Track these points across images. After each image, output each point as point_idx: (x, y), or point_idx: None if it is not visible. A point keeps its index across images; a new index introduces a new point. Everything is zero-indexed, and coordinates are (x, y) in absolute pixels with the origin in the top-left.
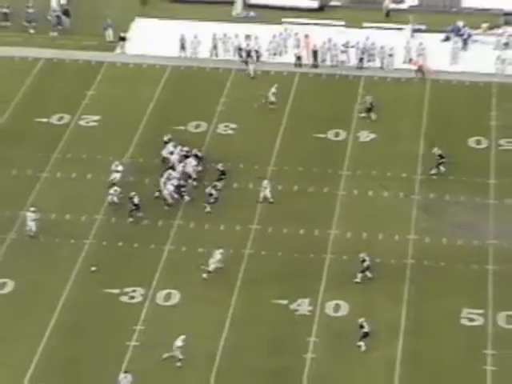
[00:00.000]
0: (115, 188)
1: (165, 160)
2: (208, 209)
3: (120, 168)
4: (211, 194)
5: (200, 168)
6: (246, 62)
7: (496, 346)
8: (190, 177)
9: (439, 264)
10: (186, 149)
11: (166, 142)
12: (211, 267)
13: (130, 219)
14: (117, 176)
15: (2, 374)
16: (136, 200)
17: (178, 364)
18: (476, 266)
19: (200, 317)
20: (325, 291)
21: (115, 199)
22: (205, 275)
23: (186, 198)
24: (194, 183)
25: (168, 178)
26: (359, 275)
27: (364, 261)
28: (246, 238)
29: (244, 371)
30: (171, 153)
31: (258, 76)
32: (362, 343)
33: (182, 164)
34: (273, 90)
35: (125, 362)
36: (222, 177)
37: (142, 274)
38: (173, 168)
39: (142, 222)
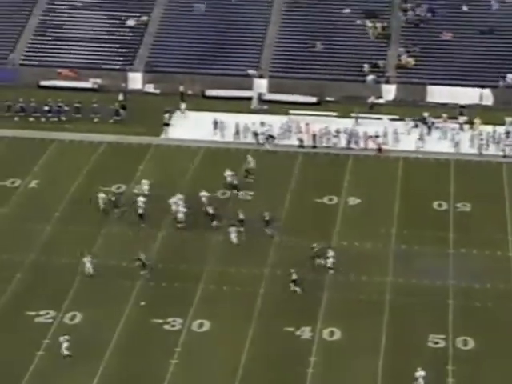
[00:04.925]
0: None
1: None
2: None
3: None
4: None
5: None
6: (264, 143)
7: (455, 363)
8: None
9: (410, 299)
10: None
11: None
12: None
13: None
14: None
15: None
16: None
17: None
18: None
19: (226, 340)
20: (322, 321)
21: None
22: None
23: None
24: None
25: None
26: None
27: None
28: (260, 279)
29: (262, 382)
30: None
31: (270, 154)
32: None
33: None
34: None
35: (168, 374)
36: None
37: (180, 307)
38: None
39: (180, 266)
